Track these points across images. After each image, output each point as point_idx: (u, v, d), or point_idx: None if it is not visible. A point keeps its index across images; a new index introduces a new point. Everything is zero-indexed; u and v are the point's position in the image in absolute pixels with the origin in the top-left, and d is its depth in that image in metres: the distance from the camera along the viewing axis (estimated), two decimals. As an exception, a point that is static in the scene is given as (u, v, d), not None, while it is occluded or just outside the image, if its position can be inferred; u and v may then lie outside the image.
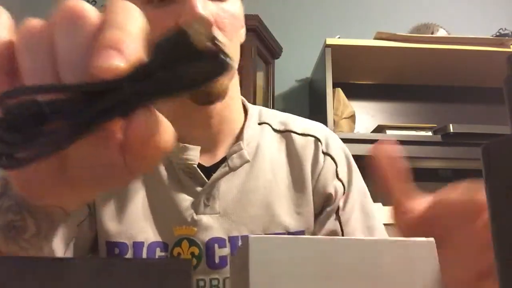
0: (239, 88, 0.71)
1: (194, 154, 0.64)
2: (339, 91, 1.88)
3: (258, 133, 0.71)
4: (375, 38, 1.88)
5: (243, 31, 0.68)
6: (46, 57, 0.22)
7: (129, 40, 0.20)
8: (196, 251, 0.63)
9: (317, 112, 1.86)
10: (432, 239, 0.25)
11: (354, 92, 2.00)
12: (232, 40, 0.60)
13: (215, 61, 0.19)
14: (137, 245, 0.63)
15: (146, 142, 0.22)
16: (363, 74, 2.06)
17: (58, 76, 0.21)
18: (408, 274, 0.25)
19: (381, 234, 0.66)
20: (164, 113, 0.70)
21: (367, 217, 0.66)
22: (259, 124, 0.72)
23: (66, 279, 0.20)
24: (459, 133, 1.67)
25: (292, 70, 2.10)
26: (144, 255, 0.62)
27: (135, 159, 0.22)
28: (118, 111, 0.20)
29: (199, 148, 0.64)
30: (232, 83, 0.66)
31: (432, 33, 2.00)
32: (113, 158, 0.22)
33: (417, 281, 0.25)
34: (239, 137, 0.69)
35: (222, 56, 0.19)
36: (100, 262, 0.21)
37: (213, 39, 0.19)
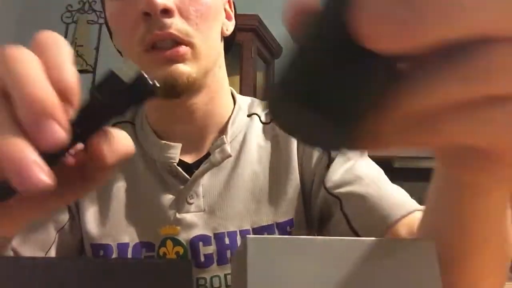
0: (227, 80, 0.69)
1: (175, 152, 0.63)
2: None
3: (245, 125, 0.69)
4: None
5: (227, 23, 0.67)
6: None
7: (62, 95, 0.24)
8: (181, 250, 0.61)
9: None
10: (432, 241, 0.25)
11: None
12: (199, 29, 0.58)
13: (140, 88, 0.24)
14: (122, 246, 0.61)
15: (103, 157, 0.26)
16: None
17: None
18: (407, 275, 0.24)
19: (369, 179, 0.61)
20: (150, 111, 0.67)
21: (350, 169, 0.62)
22: (249, 115, 0.70)
23: (67, 279, 0.20)
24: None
25: (292, 70, 2.09)
26: (130, 256, 0.61)
27: (95, 171, 0.26)
28: (75, 144, 0.25)
29: (180, 145, 0.63)
30: (216, 76, 0.64)
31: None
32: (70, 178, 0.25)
33: (417, 282, 0.24)
34: (223, 131, 0.67)
35: (144, 83, 0.25)
36: (101, 262, 0.21)
37: (137, 73, 0.24)
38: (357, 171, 0.61)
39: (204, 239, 0.62)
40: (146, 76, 0.24)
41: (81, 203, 0.63)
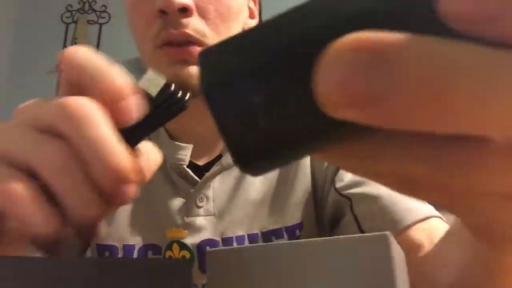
0: None
1: (185, 153, 0.60)
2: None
3: None
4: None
5: (250, 22, 0.64)
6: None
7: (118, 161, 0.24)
8: (187, 255, 0.59)
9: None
10: (386, 233, 0.23)
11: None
12: (217, 30, 0.55)
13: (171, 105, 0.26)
14: (128, 248, 0.60)
15: (142, 174, 0.27)
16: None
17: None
18: (360, 272, 0.23)
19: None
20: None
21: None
22: None
23: (67, 279, 0.20)
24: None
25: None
26: (135, 257, 0.60)
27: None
28: None
29: (191, 146, 0.61)
30: None
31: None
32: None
33: (370, 279, 0.23)
34: None
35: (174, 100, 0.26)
36: (100, 262, 0.21)
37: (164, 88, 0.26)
38: None
39: (212, 243, 0.60)
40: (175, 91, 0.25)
41: None
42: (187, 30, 0.52)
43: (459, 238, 0.34)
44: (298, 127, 0.13)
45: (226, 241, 0.60)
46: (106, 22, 2.32)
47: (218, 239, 0.60)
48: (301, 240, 0.26)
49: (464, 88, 0.10)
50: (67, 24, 2.32)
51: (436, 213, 0.54)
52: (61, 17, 2.33)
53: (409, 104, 0.10)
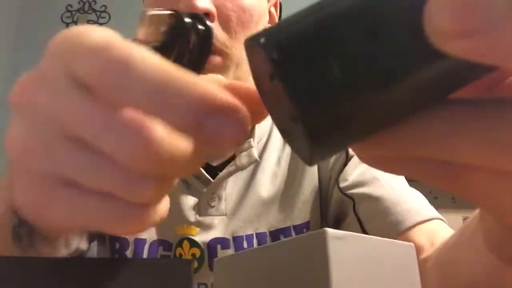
0: None
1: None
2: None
3: (269, 128, 0.67)
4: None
5: (267, 26, 0.63)
6: None
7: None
8: (198, 252, 0.60)
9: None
10: (324, 230, 0.22)
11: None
12: (237, 38, 0.54)
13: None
14: (139, 242, 0.61)
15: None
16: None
17: None
18: (298, 272, 0.23)
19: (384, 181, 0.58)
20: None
21: (368, 169, 0.59)
22: None
23: (66, 278, 0.20)
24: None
25: (292, 70, 2.10)
26: (145, 253, 0.60)
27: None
28: None
29: None
30: (248, 82, 0.62)
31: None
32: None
33: (307, 279, 0.23)
34: (250, 133, 0.64)
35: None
36: (100, 262, 0.21)
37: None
38: (375, 172, 0.59)
39: (223, 242, 0.61)
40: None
41: None
42: None
43: (472, 247, 0.33)
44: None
45: (237, 240, 0.61)
46: (106, 22, 2.32)
47: (229, 237, 0.61)
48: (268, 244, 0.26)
49: None
50: (67, 24, 2.32)
51: (438, 215, 0.54)
52: (61, 17, 2.33)
53: None
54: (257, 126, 0.65)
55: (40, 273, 0.20)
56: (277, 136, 0.66)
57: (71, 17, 2.34)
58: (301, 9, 0.14)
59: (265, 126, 0.67)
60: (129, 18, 2.38)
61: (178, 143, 0.17)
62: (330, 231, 0.22)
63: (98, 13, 2.34)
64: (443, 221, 0.54)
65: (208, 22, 0.21)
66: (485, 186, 0.14)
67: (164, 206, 0.22)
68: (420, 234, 0.51)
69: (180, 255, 0.60)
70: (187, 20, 0.22)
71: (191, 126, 0.16)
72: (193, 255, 0.60)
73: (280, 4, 0.67)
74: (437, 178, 0.15)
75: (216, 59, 0.53)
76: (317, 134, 0.13)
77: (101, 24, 2.32)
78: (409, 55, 0.12)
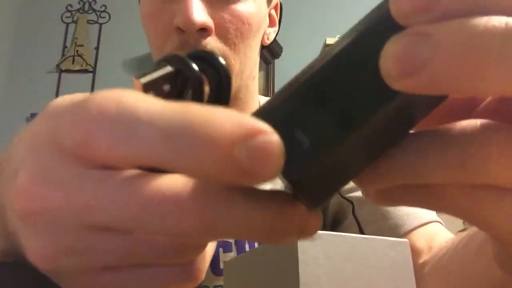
0: (257, 90, 0.66)
1: None
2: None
3: None
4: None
5: (270, 30, 0.62)
6: None
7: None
8: None
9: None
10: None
11: (354, 92, 2.00)
12: (237, 49, 0.53)
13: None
14: None
15: None
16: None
17: None
18: (273, 273, 0.23)
19: None
20: None
21: None
22: None
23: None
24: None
25: (292, 70, 2.10)
26: None
27: None
28: None
29: None
30: (249, 88, 0.61)
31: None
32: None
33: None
34: None
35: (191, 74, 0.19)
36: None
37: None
38: None
39: (225, 245, 0.61)
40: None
41: None
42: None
43: (480, 261, 0.33)
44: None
45: (239, 243, 0.61)
46: (106, 22, 2.32)
47: (231, 241, 0.61)
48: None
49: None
50: (67, 24, 2.32)
51: (436, 217, 0.54)
52: (61, 17, 2.33)
53: (449, 68, 0.13)
54: None
55: (38, 281, 0.20)
56: None
57: (71, 17, 2.34)
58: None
59: None
60: (129, 18, 2.38)
61: (228, 203, 0.14)
62: None
63: (98, 13, 2.34)
64: (441, 223, 0.55)
65: (220, 59, 0.16)
66: (466, 202, 0.16)
67: (211, 246, 0.20)
68: (419, 238, 0.51)
69: None
70: (195, 69, 0.17)
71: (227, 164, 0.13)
72: None
73: (281, 4, 0.66)
74: (425, 202, 0.17)
75: None
76: (306, 190, 0.15)
77: (101, 24, 2.32)
78: (358, 108, 0.15)
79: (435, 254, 0.45)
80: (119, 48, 2.25)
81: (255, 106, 0.65)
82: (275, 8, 0.64)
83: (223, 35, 0.52)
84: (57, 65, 2.20)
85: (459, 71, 0.13)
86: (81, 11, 2.35)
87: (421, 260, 0.47)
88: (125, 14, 2.32)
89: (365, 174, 0.17)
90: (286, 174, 0.15)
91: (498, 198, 0.16)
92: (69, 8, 2.35)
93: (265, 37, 0.61)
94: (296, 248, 0.22)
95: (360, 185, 0.17)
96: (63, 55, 2.23)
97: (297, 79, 0.16)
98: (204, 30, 0.50)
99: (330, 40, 1.83)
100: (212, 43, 0.51)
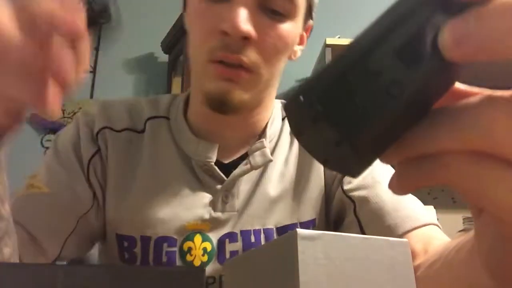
0: (273, 98, 0.71)
1: (212, 152, 0.63)
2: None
3: (279, 128, 0.70)
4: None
5: (297, 48, 0.67)
6: None
7: None
8: (209, 247, 0.62)
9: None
10: (295, 231, 0.23)
11: (354, 92, 2.00)
12: (269, 61, 0.58)
13: None
14: (144, 239, 0.62)
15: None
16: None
17: None
18: (272, 273, 0.23)
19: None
20: (191, 111, 0.67)
21: (370, 172, 0.63)
22: (283, 119, 0.72)
23: (83, 285, 0.20)
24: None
25: (292, 70, 2.10)
26: (151, 250, 0.61)
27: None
28: None
29: (217, 145, 0.63)
30: (270, 95, 0.66)
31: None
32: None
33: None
34: (262, 134, 0.68)
35: None
36: (115, 269, 0.21)
37: None
38: (377, 176, 0.62)
39: (231, 236, 0.63)
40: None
41: (108, 191, 0.64)
42: (242, 57, 0.55)
43: (469, 266, 0.33)
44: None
45: (244, 233, 0.63)
46: (106, 22, 2.32)
47: (237, 231, 0.63)
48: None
49: None
50: (67, 24, 2.32)
51: (434, 220, 0.56)
52: (61, 17, 2.32)
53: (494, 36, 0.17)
54: (268, 127, 0.68)
55: (57, 279, 0.20)
56: (285, 137, 0.69)
57: (71, 17, 2.34)
58: (320, 67, 0.19)
59: (276, 128, 0.70)
60: (129, 18, 2.38)
61: None
62: (301, 232, 0.23)
63: (98, 13, 2.34)
64: (439, 227, 0.56)
65: None
66: (470, 171, 0.18)
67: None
68: (416, 241, 0.53)
69: (190, 248, 0.61)
70: None
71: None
72: (204, 249, 0.62)
73: (312, 27, 0.71)
74: (434, 174, 0.19)
75: (245, 75, 0.56)
76: (359, 149, 0.18)
77: (101, 24, 2.31)
78: (403, 79, 0.18)
79: (428, 258, 0.46)
80: (119, 48, 2.25)
81: (272, 109, 0.70)
82: (307, 30, 0.69)
83: (261, 48, 0.57)
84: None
85: (497, 35, 0.17)
86: (81, 11, 2.34)
87: (415, 263, 0.48)
88: (125, 14, 2.32)
89: (393, 148, 0.19)
90: (348, 136, 0.18)
91: (500, 170, 0.17)
92: (69, 8, 2.34)
93: (292, 54, 0.66)
94: (295, 248, 0.22)
95: (388, 159, 0.20)
96: (63, 55, 2.23)
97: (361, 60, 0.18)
98: (246, 39, 0.55)
99: (330, 40, 1.83)
100: (250, 53, 0.56)
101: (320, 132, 0.18)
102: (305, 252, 0.22)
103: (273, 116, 0.70)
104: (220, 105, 0.58)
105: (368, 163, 0.19)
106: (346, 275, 0.23)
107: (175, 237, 0.62)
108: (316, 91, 0.18)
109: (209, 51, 0.56)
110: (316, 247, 0.23)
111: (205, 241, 0.62)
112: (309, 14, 0.66)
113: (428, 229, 0.56)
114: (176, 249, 0.61)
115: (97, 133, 0.65)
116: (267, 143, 0.66)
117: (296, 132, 0.20)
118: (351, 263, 0.23)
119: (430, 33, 0.18)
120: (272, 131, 0.68)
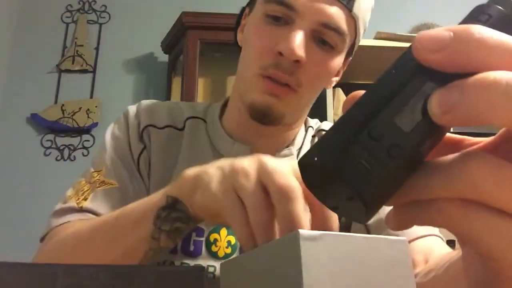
0: (306, 115, 0.77)
1: (245, 152, 0.67)
2: (339, 91, 1.88)
3: (303, 136, 0.76)
4: (375, 38, 1.88)
5: (334, 78, 0.72)
6: None
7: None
8: (233, 240, 0.66)
9: (317, 112, 1.86)
10: (298, 231, 0.23)
11: (354, 92, 2.00)
12: (311, 85, 0.65)
13: None
14: None
15: None
16: (363, 74, 2.06)
17: None
18: (276, 274, 0.23)
19: None
20: (228, 117, 0.74)
21: None
22: (306, 128, 0.78)
23: (83, 285, 0.20)
24: (459, 132, 1.66)
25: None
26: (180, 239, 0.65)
27: None
28: None
29: (248, 148, 0.68)
30: (305, 111, 0.73)
31: (432, 33, 2.00)
32: None
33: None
34: (291, 142, 0.73)
35: None
36: (113, 269, 0.21)
37: None
38: None
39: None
40: None
41: (151, 184, 0.68)
42: (291, 78, 0.61)
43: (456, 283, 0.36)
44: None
45: None
46: (106, 22, 2.32)
47: None
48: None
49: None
50: (67, 24, 2.32)
51: (436, 231, 0.58)
52: (61, 17, 2.32)
53: (474, 107, 0.18)
54: (297, 136, 0.74)
55: (59, 279, 0.20)
56: (307, 144, 0.75)
57: (71, 17, 2.34)
58: (327, 134, 0.22)
59: (301, 136, 0.75)
60: (129, 18, 2.38)
61: None
62: (303, 232, 0.23)
63: (98, 13, 2.34)
64: (441, 238, 0.60)
65: None
66: (459, 216, 0.19)
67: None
68: (417, 251, 0.55)
69: (216, 240, 0.66)
70: None
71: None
72: (229, 242, 0.67)
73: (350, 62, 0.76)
74: (426, 217, 0.21)
75: (288, 92, 0.62)
76: (368, 201, 0.20)
77: (101, 24, 2.32)
78: (401, 142, 0.20)
79: (425, 267, 0.47)
80: (119, 48, 2.25)
81: (302, 121, 0.77)
82: (344, 65, 0.74)
83: (308, 72, 0.62)
84: (57, 65, 2.20)
85: (479, 107, 0.18)
86: (81, 11, 2.34)
87: (414, 271, 0.49)
88: (125, 14, 2.32)
89: (394, 196, 0.21)
90: (355, 188, 0.20)
91: (487, 217, 0.19)
92: (69, 8, 2.34)
93: (329, 84, 0.73)
94: (298, 248, 0.22)
95: (389, 204, 0.22)
96: (63, 55, 2.23)
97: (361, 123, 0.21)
98: (297, 62, 0.60)
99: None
100: (298, 75, 0.62)
101: (333, 188, 0.21)
102: (308, 252, 0.22)
103: (303, 128, 0.77)
104: (262, 116, 0.64)
105: (375, 211, 0.21)
106: (348, 275, 0.23)
107: (203, 227, 0.66)
108: (329, 155, 0.21)
109: (262, 67, 0.62)
110: (318, 248, 0.22)
111: (230, 234, 0.66)
112: (351, 51, 0.71)
113: (429, 239, 0.57)
114: (203, 239, 0.66)
115: (142, 130, 0.70)
116: (295, 150, 0.72)
117: (309, 185, 0.23)
118: (353, 262, 0.23)
119: (421, 101, 0.20)
120: (298, 140, 0.74)
